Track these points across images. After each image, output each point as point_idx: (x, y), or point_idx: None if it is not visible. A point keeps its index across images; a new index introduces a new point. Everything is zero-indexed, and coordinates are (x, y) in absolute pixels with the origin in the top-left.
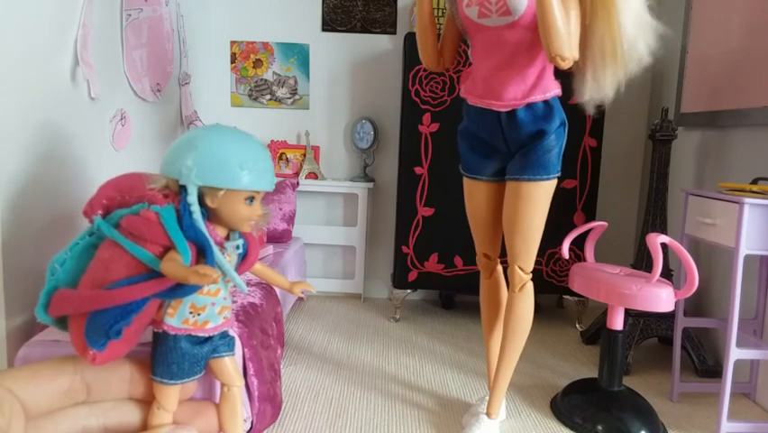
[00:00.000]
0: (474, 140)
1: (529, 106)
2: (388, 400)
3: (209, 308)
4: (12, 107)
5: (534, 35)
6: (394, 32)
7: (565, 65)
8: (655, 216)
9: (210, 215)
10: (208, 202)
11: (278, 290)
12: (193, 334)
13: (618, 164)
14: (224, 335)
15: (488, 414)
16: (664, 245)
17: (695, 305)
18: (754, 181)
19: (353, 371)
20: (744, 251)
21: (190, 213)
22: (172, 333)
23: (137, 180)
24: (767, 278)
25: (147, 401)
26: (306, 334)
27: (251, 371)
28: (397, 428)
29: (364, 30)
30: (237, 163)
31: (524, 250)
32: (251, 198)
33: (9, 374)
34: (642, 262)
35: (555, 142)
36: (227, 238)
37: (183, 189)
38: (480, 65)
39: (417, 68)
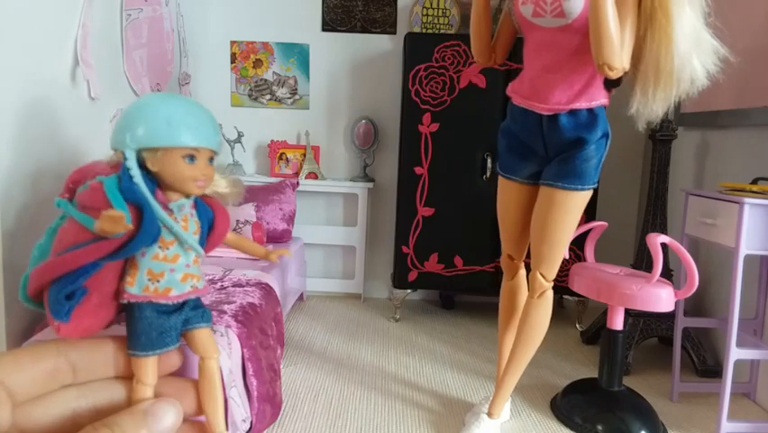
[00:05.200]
0: (514, 140)
1: (572, 113)
2: (388, 400)
3: (168, 275)
4: (12, 107)
5: (586, 41)
6: (394, 32)
7: (613, 75)
8: (655, 216)
9: (159, 182)
10: (150, 166)
11: (277, 290)
12: (154, 301)
13: (618, 164)
14: (197, 306)
15: (489, 414)
16: (664, 245)
17: (695, 305)
18: (754, 181)
19: (353, 371)
20: (744, 251)
21: (130, 177)
22: (134, 301)
23: (99, 164)
24: (767, 278)
25: None
26: (306, 334)
27: (250, 371)
28: (397, 428)
29: (364, 30)
30: (164, 120)
31: (548, 257)
32: (191, 157)
33: None
34: (642, 262)
35: (595, 153)
36: None
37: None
38: (529, 65)
39: (417, 68)
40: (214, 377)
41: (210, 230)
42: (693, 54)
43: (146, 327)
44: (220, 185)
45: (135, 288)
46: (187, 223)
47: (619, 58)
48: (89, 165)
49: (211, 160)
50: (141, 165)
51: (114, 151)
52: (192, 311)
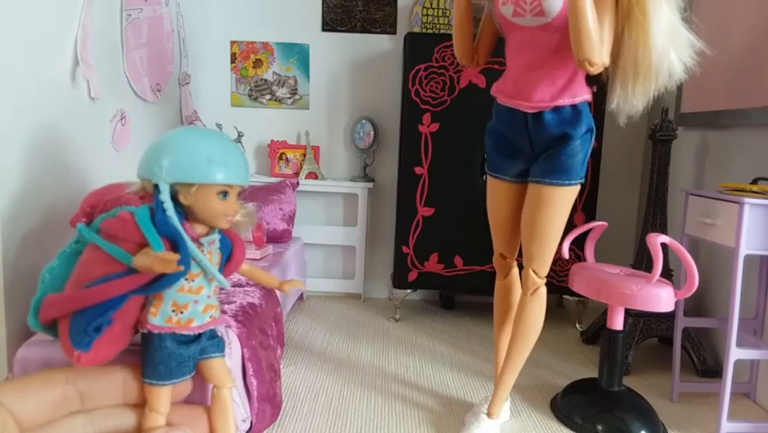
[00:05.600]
0: (500, 139)
1: (556, 109)
2: (388, 400)
3: (192, 306)
4: (11, 107)
5: (567, 38)
6: (394, 32)
7: (593, 70)
8: (655, 216)
9: (187, 213)
10: (182, 199)
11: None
12: (177, 332)
13: (618, 164)
14: (213, 335)
15: (489, 414)
16: (664, 245)
17: (695, 305)
18: (754, 181)
19: (353, 371)
20: (744, 251)
21: (163, 210)
22: (156, 332)
23: (118, 188)
24: (767, 278)
25: (142, 406)
26: (306, 334)
27: (250, 371)
28: (397, 428)
29: (364, 30)
30: (205, 158)
31: (539, 254)
32: (225, 193)
33: None
34: (642, 262)
35: (580, 148)
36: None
37: (157, 189)
38: (511, 65)
39: (417, 68)
40: (228, 405)
41: (227, 260)
42: (670, 48)
43: (165, 357)
44: None
45: (158, 318)
46: (211, 255)
47: (599, 53)
48: (107, 188)
49: (239, 195)
50: (172, 198)
51: (140, 179)
52: (208, 341)
